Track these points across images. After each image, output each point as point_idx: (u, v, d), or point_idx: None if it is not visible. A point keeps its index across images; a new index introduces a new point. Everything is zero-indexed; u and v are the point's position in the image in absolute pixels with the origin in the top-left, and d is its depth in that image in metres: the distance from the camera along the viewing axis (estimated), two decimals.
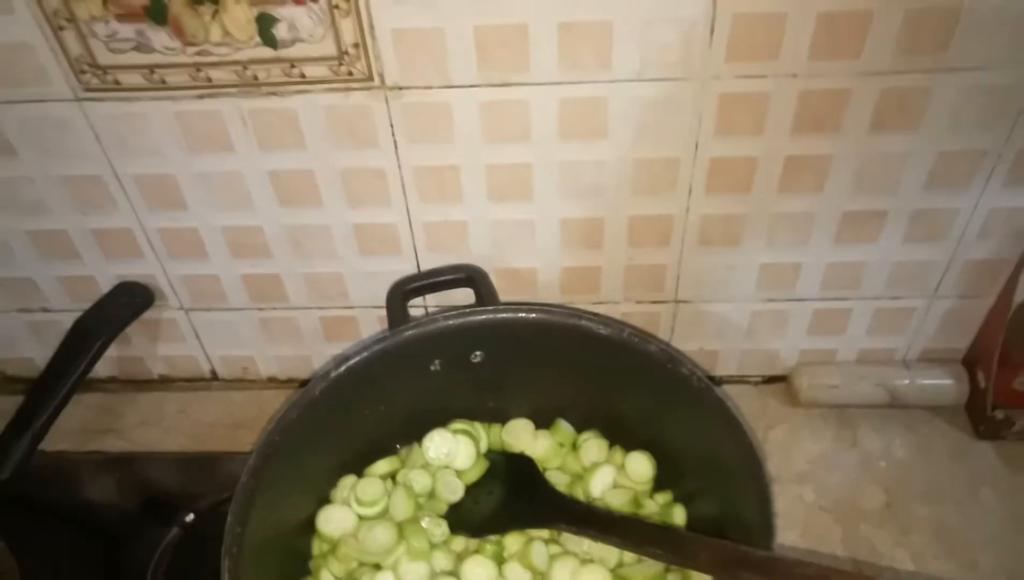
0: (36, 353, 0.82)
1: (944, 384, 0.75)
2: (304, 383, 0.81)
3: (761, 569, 0.49)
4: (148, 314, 0.74)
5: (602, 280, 0.71)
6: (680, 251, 0.68)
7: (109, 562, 0.69)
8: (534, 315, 0.59)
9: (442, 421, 0.69)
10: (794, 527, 0.69)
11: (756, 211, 0.65)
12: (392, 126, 0.61)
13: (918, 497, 0.71)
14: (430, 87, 0.58)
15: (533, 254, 0.69)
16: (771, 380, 0.80)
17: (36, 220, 0.69)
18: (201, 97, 0.60)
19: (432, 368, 0.61)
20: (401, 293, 0.64)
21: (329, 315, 0.76)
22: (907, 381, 0.75)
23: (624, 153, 0.62)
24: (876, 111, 0.58)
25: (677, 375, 0.59)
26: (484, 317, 0.59)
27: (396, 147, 0.62)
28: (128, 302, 0.72)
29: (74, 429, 0.79)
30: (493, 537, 0.64)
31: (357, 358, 0.58)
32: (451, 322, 0.59)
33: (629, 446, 0.69)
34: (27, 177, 0.66)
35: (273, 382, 0.83)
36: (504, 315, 0.59)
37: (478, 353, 0.61)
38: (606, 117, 0.59)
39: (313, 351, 0.80)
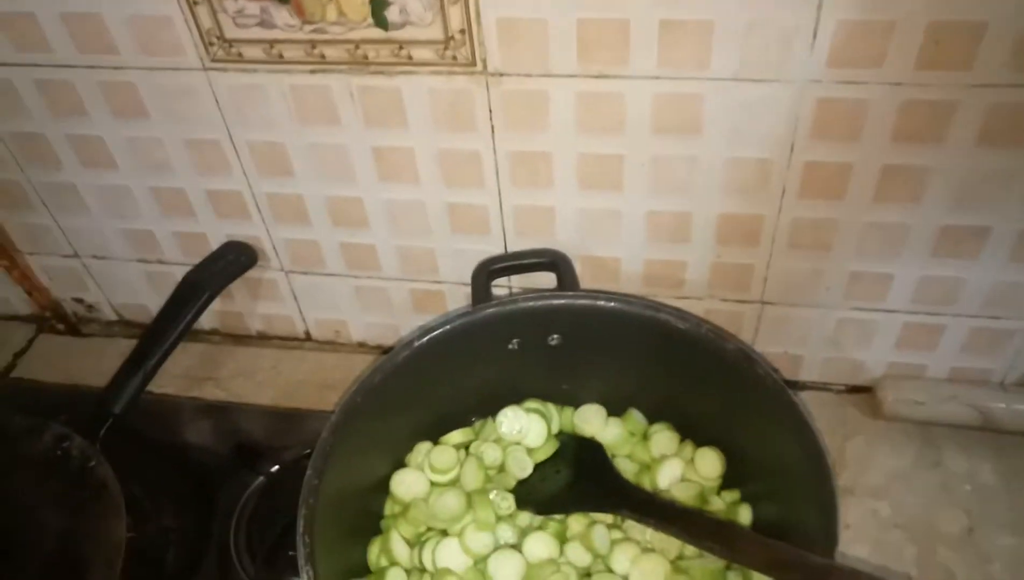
0: (150, 301, 0.88)
1: None
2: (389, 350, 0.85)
3: (817, 575, 0.49)
4: (251, 273, 0.79)
5: (687, 275, 0.71)
6: (769, 252, 0.68)
7: (201, 500, 0.75)
8: (613, 304, 0.60)
9: (516, 399, 0.71)
10: (865, 541, 0.68)
11: (849, 218, 0.64)
12: (491, 111, 0.63)
13: (1003, 526, 0.68)
14: (530, 75, 0.60)
15: (618, 244, 0.70)
16: (854, 390, 0.78)
17: (160, 178, 0.75)
18: (314, 72, 0.63)
19: (510, 347, 0.63)
20: (486, 272, 0.66)
21: (419, 288, 0.79)
22: (1003, 405, 0.71)
23: (717, 151, 0.62)
24: (984, 125, 0.55)
25: (752, 375, 0.59)
26: (563, 302, 0.61)
27: (493, 131, 0.64)
28: (234, 260, 0.77)
29: (178, 374, 0.85)
30: (557, 516, 0.66)
31: (439, 330, 0.60)
32: (531, 304, 0.61)
33: (699, 441, 0.69)
34: (156, 138, 0.71)
35: (363, 347, 0.87)
36: (583, 301, 0.61)
37: (555, 336, 0.63)
38: (701, 114, 0.60)
39: (401, 321, 0.83)
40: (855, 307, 0.71)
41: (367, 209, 0.73)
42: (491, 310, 0.61)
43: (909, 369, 0.75)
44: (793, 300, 0.72)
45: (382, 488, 0.67)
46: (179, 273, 0.83)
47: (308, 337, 0.88)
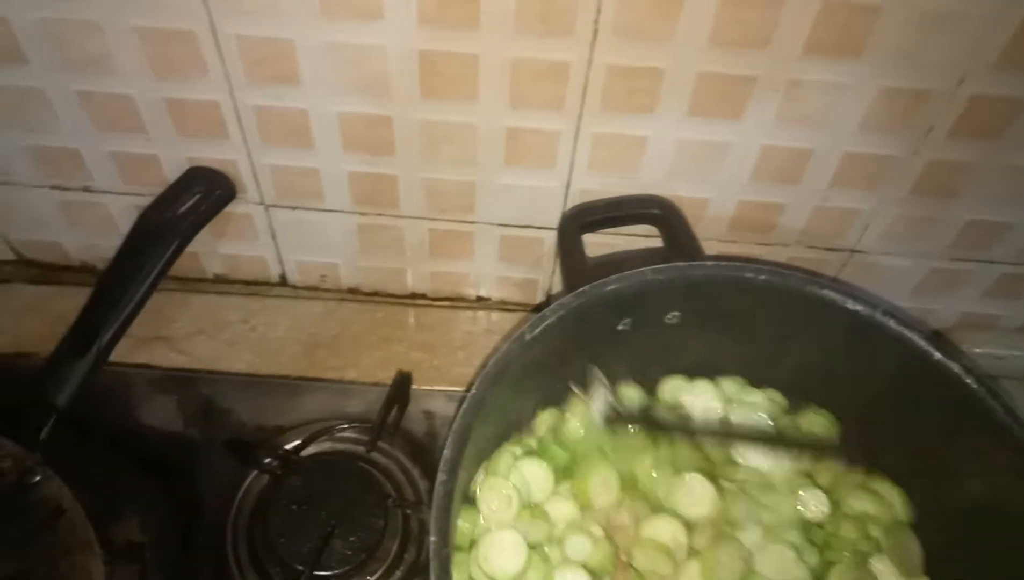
0: (66, 238, 0.67)
1: None
2: (393, 297, 0.70)
3: None
4: None
5: (781, 220, 0.61)
6: (884, 197, 0.58)
7: (181, 504, 0.58)
8: (764, 277, 0.47)
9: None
10: None
11: (993, 161, 0.55)
12: (599, 9, 0.47)
13: None
14: None
15: (713, 183, 0.58)
16: None
17: (95, 79, 0.54)
18: None
19: (620, 328, 0.49)
20: (578, 225, 0.52)
21: (441, 228, 0.64)
22: None
23: (873, 79, 0.50)
24: None
25: (943, 372, 0.47)
26: (704, 272, 0.47)
27: (595, 37, 0.49)
28: (206, 193, 0.58)
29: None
30: None
31: (554, 317, 0.45)
32: (661, 277, 0.46)
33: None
34: (93, 23, 0.50)
35: (354, 293, 0.71)
36: (730, 273, 0.47)
37: (675, 313, 0.50)
38: (870, 32, 0.47)
39: (412, 266, 0.68)
40: (955, 257, 0.63)
41: (396, 131, 0.56)
42: (613, 286, 0.45)
43: (982, 319, 0.70)
44: (889, 249, 0.63)
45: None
46: (113, 206, 0.63)
47: (283, 281, 0.71)
